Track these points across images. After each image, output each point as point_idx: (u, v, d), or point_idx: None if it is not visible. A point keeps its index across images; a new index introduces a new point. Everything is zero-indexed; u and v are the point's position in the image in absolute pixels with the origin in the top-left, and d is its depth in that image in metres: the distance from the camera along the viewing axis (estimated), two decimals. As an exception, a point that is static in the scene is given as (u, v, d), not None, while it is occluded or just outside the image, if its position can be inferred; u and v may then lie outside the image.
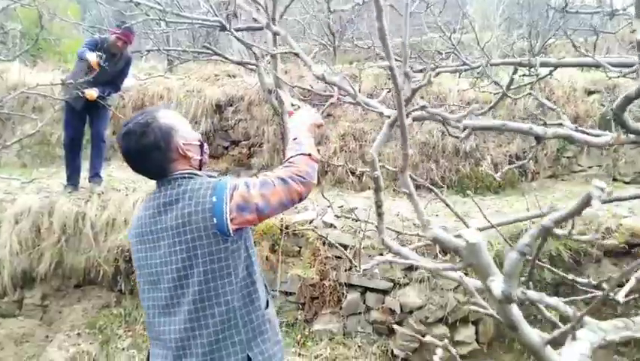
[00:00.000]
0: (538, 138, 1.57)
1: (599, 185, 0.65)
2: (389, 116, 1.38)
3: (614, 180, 6.32)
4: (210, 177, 1.77)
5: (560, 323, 0.96)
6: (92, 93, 4.79)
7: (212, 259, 1.59)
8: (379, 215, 1.24)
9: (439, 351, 0.92)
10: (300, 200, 1.69)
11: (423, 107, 1.43)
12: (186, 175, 1.71)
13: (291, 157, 1.74)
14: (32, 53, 12.95)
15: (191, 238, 1.59)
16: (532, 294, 0.87)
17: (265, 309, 1.75)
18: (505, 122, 1.60)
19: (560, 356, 0.83)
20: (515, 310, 0.86)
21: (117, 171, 6.62)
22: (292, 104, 2.15)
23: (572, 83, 6.59)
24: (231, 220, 1.58)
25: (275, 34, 2.88)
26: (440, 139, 6.36)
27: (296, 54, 1.80)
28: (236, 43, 10.71)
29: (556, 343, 0.85)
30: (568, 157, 6.47)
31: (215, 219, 1.57)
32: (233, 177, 1.73)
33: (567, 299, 1.11)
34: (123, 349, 4.23)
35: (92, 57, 4.60)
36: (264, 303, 1.76)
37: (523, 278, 0.99)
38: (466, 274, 1.19)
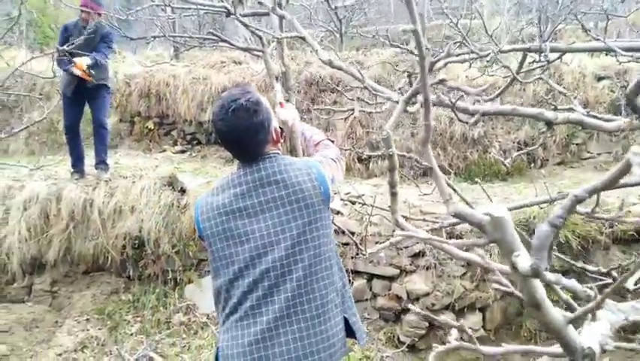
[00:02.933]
0: (549, 123, 1.54)
1: (638, 151, 0.61)
2: (397, 102, 1.35)
3: (624, 167, 6.25)
4: None
5: (576, 305, 0.94)
6: (82, 62, 4.70)
7: (323, 224, 1.71)
8: (393, 195, 1.22)
9: (454, 332, 0.91)
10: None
11: (442, 81, 1.41)
12: (272, 155, 1.75)
13: (323, 141, 2.03)
14: (40, 41, 12.98)
15: (305, 205, 1.67)
16: (549, 275, 0.85)
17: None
18: (514, 106, 1.57)
19: (581, 336, 0.81)
20: (540, 288, 0.84)
21: (124, 159, 6.64)
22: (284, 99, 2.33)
23: (581, 69, 6.50)
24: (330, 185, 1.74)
25: (281, 17, 2.85)
26: (448, 126, 6.31)
27: (302, 38, 1.78)
28: (243, 30, 10.65)
29: (576, 324, 0.83)
30: (577, 144, 6.41)
31: (322, 188, 1.71)
32: None
33: (596, 284, 1.10)
34: (132, 334, 4.27)
35: (76, 70, 4.62)
36: None
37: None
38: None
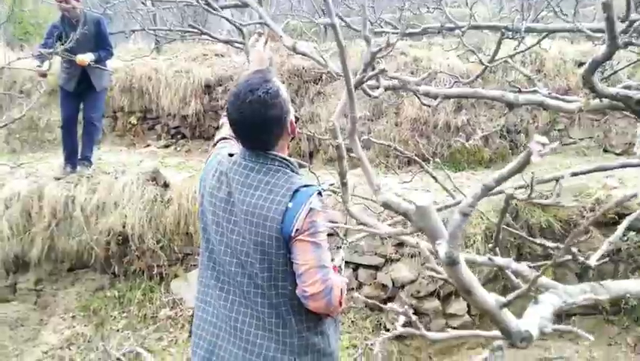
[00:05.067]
0: (511, 105, 1.56)
1: (540, 140, 0.64)
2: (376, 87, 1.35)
3: (605, 151, 6.33)
4: (301, 166, 1.80)
5: (515, 280, 0.95)
6: (84, 59, 4.68)
7: (271, 260, 1.58)
8: (343, 185, 1.23)
9: (401, 318, 0.92)
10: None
11: (382, 71, 1.41)
12: (279, 160, 1.64)
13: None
14: (19, 37, 12.77)
15: (261, 234, 1.57)
16: (499, 260, 0.86)
17: (320, 321, 1.69)
18: (476, 89, 1.59)
19: (517, 319, 0.83)
20: (466, 272, 0.85)
21: (107, 155, 6.58)
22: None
23: (562, 55, 6.55)
24: (295, 232, 1.55)
25: (244, 5, 2.84)
26: (431, 115, 6.33)
27: (266, 24, 1.78)
28: (227, 23, 10.56)
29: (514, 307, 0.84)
30: (559, 130, 6.47)
31: (282, 224, 1.55)
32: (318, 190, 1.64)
33: (536, 264, 1.12)
34: (118, 330, 4.26)
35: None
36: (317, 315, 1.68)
37: (490, 245, 0.98)
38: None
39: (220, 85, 7.74)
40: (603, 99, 1.47)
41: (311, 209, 1.56)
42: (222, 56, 8.27)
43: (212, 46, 8.51)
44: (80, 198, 4.72)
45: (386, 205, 0.90)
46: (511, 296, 0.83)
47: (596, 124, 6.46)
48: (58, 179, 4.97)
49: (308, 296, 1.56)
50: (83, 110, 5.06)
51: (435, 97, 1.61)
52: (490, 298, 0.86)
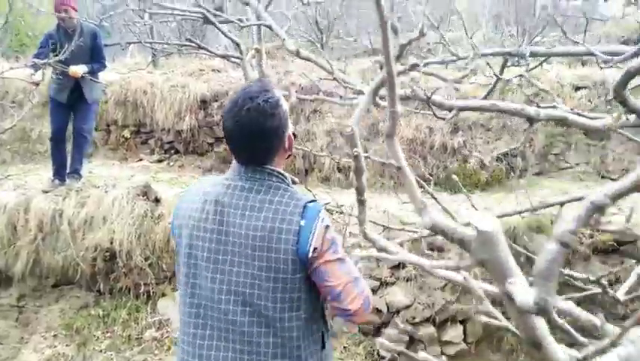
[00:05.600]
0: (531, 120, 1.47)
1: None
2: (361, 91, 1.26)
3: (602, 177, 6.28)
4: (293, 183, 1.61)
5: (575, 333, 0.80)
6: (77, 70, 4.60)
7: (285, 287, 1.45)
8: (361, 202, 1.11)
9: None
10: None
11: (415, 66, 1.30)
12: (276, 175, 1.52)
13: None
14: (15, 48, 12.71)
15: (267, 258, 1.43)
16: (561, 304, 0.71)
17: (322, 350, 1.59)
18: (494, 101, 1.50)
19: None
20: (541, 324, 0.69)
21: (99, 168, 6.46)
22: None
23: (559, 79, 6.54)
24: (313, 251, 1.44)
25: (244, 4, 2.77)
26: (428, 135, 6.29)
27: (269, 26, 1.69)
28: (225, 39, 10.57)
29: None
30: (555, 154, 6.43)
31: (298, 245, 1.43)
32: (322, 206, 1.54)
33: (566, 296, 1.01)
34: (101, 351, 4.10)
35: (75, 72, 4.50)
36: (321, 343, 1.59)
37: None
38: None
39: (216, 100, 7.68)
40: (629, 117, 1.38)
41: (327, 226, 1.47)
42: (219, 71, 8.24)
43: (209, 61, 8.48)
44: (67, 212, 4.59)
45: (435, 229, 0.75)
46: (589, 352, 0.67)
47: (592, 149, 6.43)
48: (47, 192, 4.84)
49: (352, 314, 1.47)
50: (73, 121, 4.95)
51: (449, 109, 1.52)
52: (564, 355, 0.70)
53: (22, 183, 5.34)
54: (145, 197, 4.75)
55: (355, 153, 0.99)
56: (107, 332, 4.28)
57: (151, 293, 4.56)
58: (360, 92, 1.63)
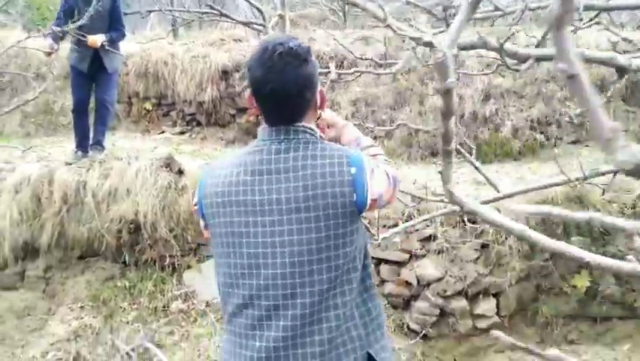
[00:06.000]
0: (622, 71, 1.28)
1: None
2: (431, 43, 1.09)
3: (642, 144, 5.98)
4: None
5: None
6: (96, 40, 4.50)
7: (345, 241, 1.33)
8: (447, 154, 0.94)
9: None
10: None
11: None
12: (309, 131, 1.37)
13: (379, 155, 1.58)
14: (37, 22, 12.70)
15: (324, 215, 1.30)
16: None
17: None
18: (580, 49, 1.32)
19: None
20: None
21: (122, 140, 6.41)
22: None
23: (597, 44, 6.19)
24: (372, 202, 1.35)
25: None
26: (457, 103, 6.04)
27: None
28: (243, 7, 10.34)
29: None
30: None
31: (355, 195, 1.31)
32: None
33: None
34: (128, 322, 4.07)
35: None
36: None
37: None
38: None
39: (237, 71, 7.52)
40: None
41: (372, 170, 1.37)
42: (240, 40, 8.04)
43: (230, 31, 8.29)
44: (91, 184, 4.53)
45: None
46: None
47: (631, 116, 6.11)
48: (70, 164, 4.79)
49: (386, 202, 1.42)
50: (95, 92, 4.86)
51: (524, 59, 1.34)
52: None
53: (45, 155, 5.31)
54: (168, 168, 4.66)
55: (448, 85, 0.80)
56: (134, 304, 4.26)
57: (176, 265, 4.51)
58: (418, 39, 1.44)
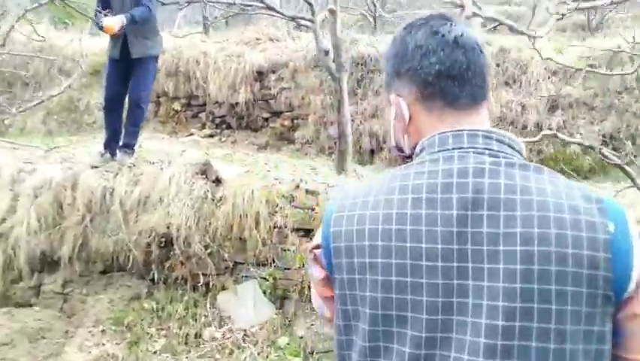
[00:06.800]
0: None
1: None
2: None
3: None
4: None
5: None
6: (112, 24, 3.90)
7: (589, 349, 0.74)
8: None
9: None
10: None
11: None
12: (508, 142, 0.86)
13: None
14: (64, 19, 12.45)
15: (544, 290, 0.72)
16: None
17: None
18: None
19: None
20: None
21: (148, 142, 5.92)
22: None
23: None
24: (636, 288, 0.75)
25: None
26: (520, 114, 5.47)
27: None
28: (277, 2, 9.91)
29: None
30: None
31: (613, 269, 0.73)
32: None
33: None
34: (155, 352, 3.55)
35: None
36: None
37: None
38: None
39: (273, 72, 7.06)
40: None
41: None
42: (277, 40, 7.57)
43: (265, 29, 7.83)
44: (119, 191, 4.05)
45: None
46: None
47: None
48: (96, 167, 4.30)
49: None
50: (129, 88, 4.35)
51: None
52: None
53: (69, 156, 4.84)
54: (204, 176, 4.16)
55: None
56: (162, 329, 3.74)
57: (210, 286, 3.99)
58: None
